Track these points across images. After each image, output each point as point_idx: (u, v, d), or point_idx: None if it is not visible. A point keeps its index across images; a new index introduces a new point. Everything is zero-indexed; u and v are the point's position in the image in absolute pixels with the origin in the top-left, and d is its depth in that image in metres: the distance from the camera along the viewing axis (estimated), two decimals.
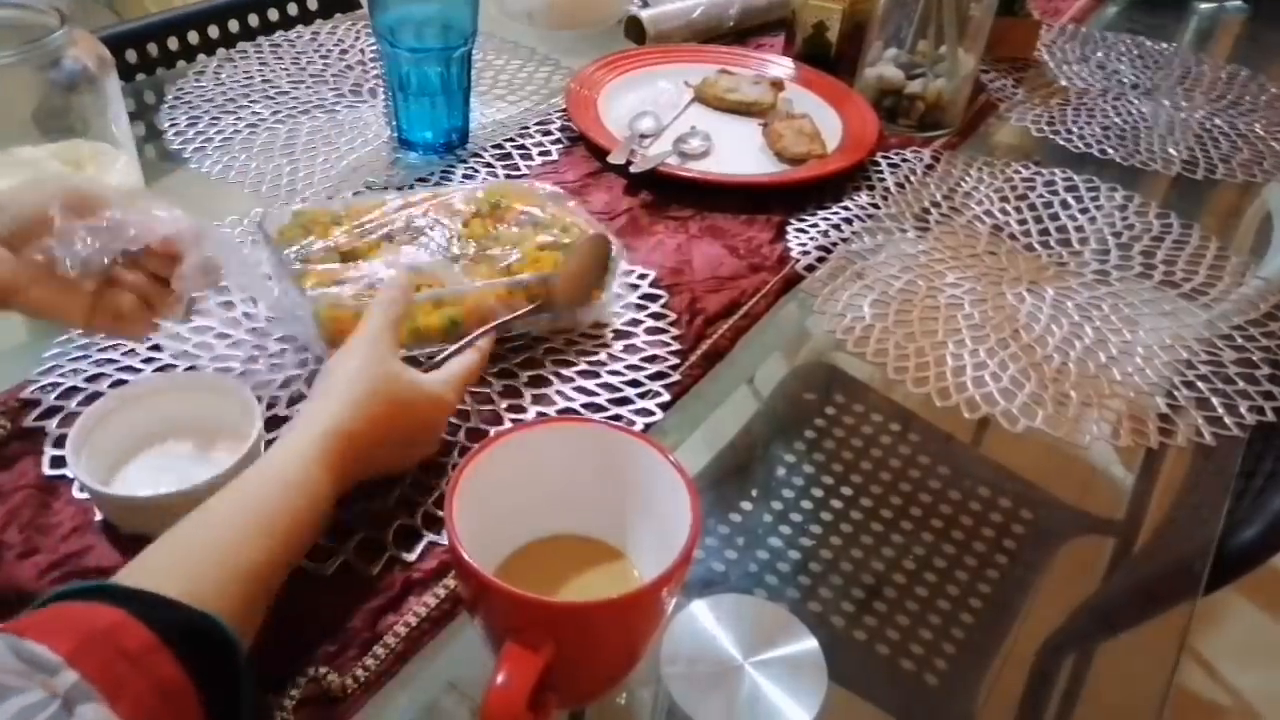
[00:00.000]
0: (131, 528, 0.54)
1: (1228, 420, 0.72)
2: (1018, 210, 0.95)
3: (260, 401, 0.62)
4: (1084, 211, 0.96)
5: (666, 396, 0.68)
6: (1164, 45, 1.38)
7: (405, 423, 0.55)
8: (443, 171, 0.91)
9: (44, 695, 0.32)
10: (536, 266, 0.68)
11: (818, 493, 0.63)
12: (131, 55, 1.09)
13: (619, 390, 0.68)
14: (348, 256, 0.68)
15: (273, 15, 1.23)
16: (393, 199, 0.74)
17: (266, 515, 0.46)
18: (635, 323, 0.74)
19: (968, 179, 0.99)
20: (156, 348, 0.67)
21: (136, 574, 0.41)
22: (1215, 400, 0.73)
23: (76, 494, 0.56)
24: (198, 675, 0.37)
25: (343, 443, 0.50)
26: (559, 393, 0.67)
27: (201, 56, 1.15)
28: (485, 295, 0.66)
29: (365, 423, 0.52)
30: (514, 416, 0.65)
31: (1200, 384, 0.75)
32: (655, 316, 0.75)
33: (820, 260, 0.84)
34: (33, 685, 0.32)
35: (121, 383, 0.63)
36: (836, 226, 0.89)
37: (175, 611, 0.38)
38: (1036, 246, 0.90)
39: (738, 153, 0.98)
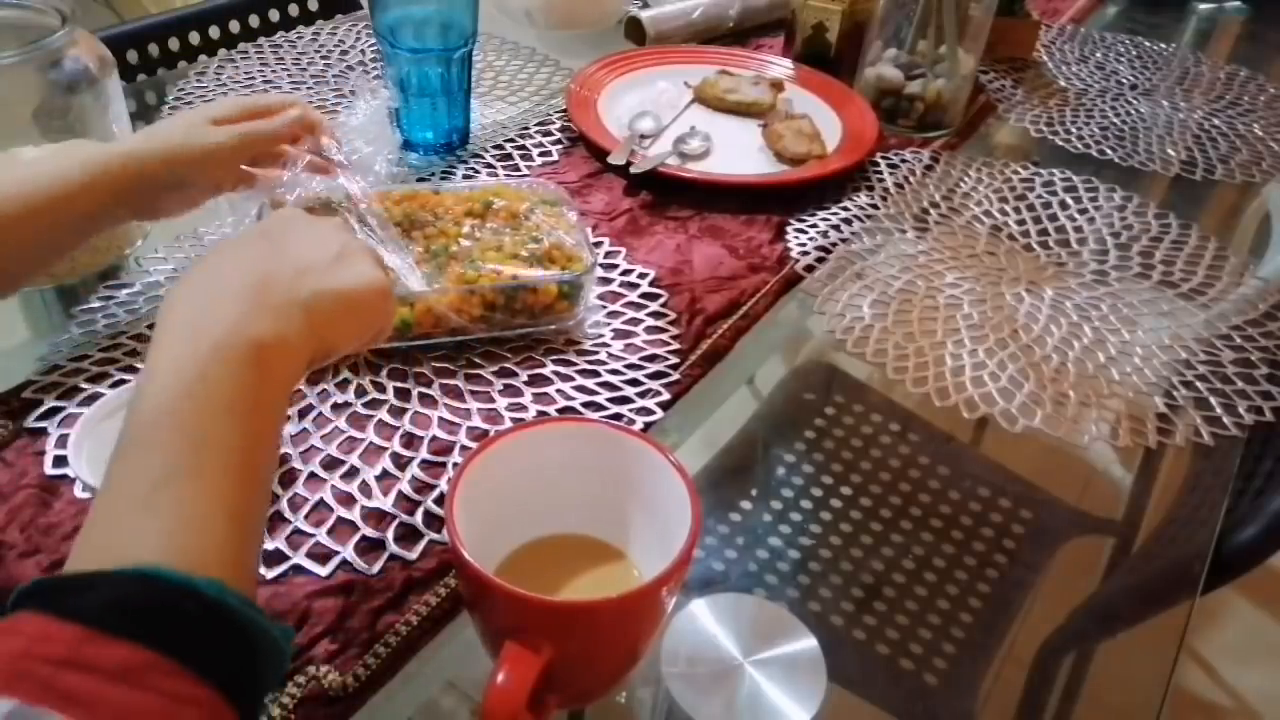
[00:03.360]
0: None
1: (1226, 420, 0.72)
2: (1017, 210, 0.95)
3: None
4: (1083, 212, 0.96)
5: (666, 396, 0.68)
6: (1163, 46, 1.38)
7: (231, 249, 0.45)
8: (443, 172, 0.92)
9: None
10: (498, 275, 0.68)
11: (817, 493, 0.64)
12: (132, 55, 1.09)
13: (619, 390, 0.68)
14: None
15: (273, 16, 1.24)
16: (396, 190, 0.75)
17: (137, 424, 0.38)
18: (635, 322, 0.74)
19: (967, 179, 0.99)
20: None
21: (76, 552, 0.36)
22: (1214, 400, 0.74)
23: (78, 494, 0.56)
24: (147, 638, 0.31)
25: (166, 312, 0.41)
26: (559, 392, 0.67)
27: (202, 57, 1.15)
28: (439, 299, 0.66)
29: (183, 287, 0.43)
30: (514, 416, 0.65)
31: (1199, 384, 0.75)
32: (655, 316, 0.75)
33: (820, 260, 0.84)
34: None
35: (123, 382, 0.64)
36: (836, 227, 0.89)
37: (93, 591, 0.33)
38: (1035, 247, 0.90)
39: (737, 153, 0.98)
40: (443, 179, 0.91)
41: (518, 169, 0.93)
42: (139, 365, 0.66)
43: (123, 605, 0.32)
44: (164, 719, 0.31)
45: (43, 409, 0.62)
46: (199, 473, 0.37)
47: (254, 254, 0.45)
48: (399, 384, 0.67)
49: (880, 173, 0.99)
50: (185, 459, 0.37)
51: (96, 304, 0.72)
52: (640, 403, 0.67)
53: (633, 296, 0.77)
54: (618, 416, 0.66)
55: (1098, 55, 1.33)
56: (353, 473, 0.60)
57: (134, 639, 0.31)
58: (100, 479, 0.52)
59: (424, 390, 0.66)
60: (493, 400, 0.66)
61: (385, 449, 0.62)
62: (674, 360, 0.71)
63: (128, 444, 0.38)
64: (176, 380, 0.38)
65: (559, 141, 0.98)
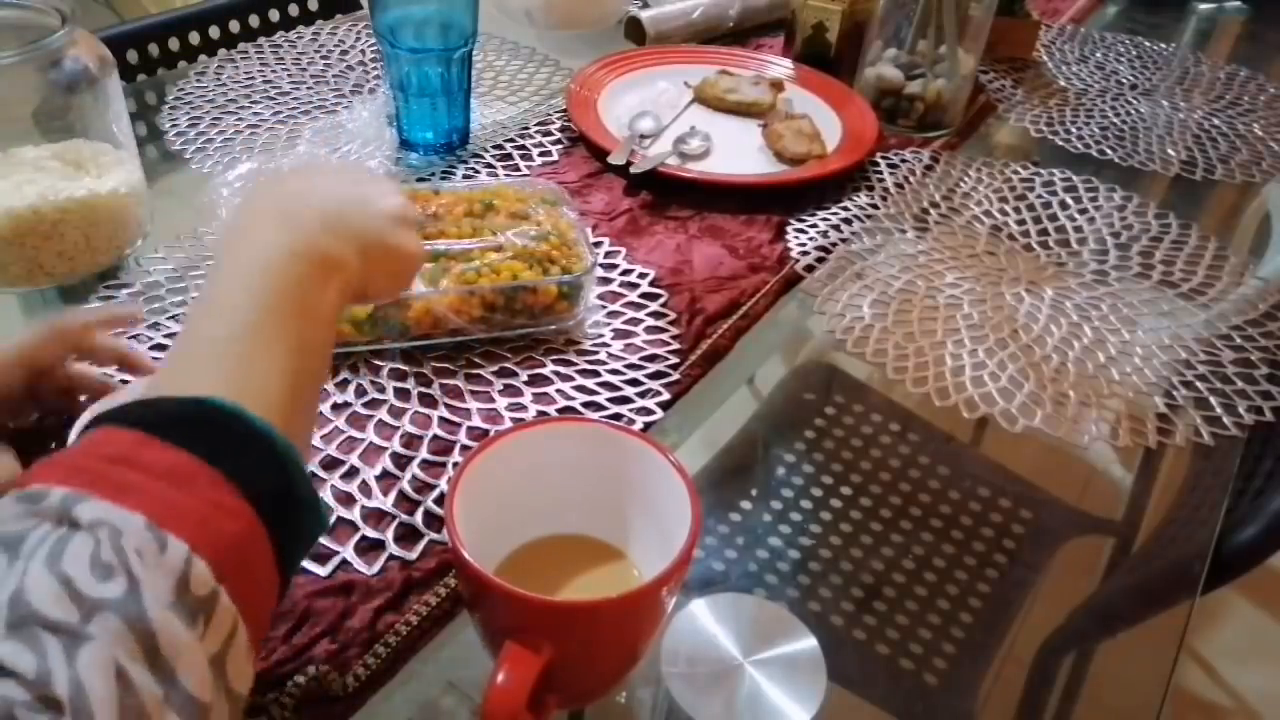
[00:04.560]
0: None
1: (1226, 420, 0.72)
2: (1017, 210, 0.95)
3: None
4: (1083, 212, 0.96)
5: (666, 396, 0.68)
6: (1163, 46, 1.38)
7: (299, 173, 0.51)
8: (443, 172, 0.92)
9: (39, 523, 0.30)
10: (498, 276, 0.68)
11: (818, 493, 0.64)
12: (132, 55, 1.09)
13: (619, 390, 0.68)
14: None
15: (273, 16, 1.24)
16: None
17: (205, 298, 0.41)
18: (635, 322, 0.74)
19: (967, 179, 0.99)
20: (160, 347, 0.68)
21: (146, 390, 0.38)
22: (1214, 400, 0.74)
23: None
24: (202, 450, 0.34)
25: (244, 210, 0.45)
26: (559, 392, 0.67)
27: (202, 57, 1.15)
28: (439, 300, 0.66)
29: (262, 190, 0.47)
30: (514, 416, 0.65)
31: (1199, 384, 0.75)
32: (655, 316, 0.75)
33: (820, 260, 0.84)
34: (29, 520, 0.31)
35: (124, 382, 0.63)
36: (836, 227, 0.89)
37: (153, 405, 0.35)
38: (1035, 247, 0.90)
39: (737, 153, 0.98)
40: (443, 179, 0.91)
41: (518, 169, 0.93)
42: None
43: (180, 420, 0.35)
44: (201, 521, 0.32)
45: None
46: (263, 339, 0.39)
47: (338, 185, 0.49)
48: (399, 384, 0.67)
49: (880, 173, 0.99)
50: (252, 324, 0.39)
51: (96, 304, 0.72)
52: (640, 403, 0.67)
53: (633, 296, 0.77)
54: (618, 416, 0.66)
55: (1098, 55, 1.33)
56: (353, 473, 0.60)
57: (182, 445, 0.33)
58: None
59: (424, 390, 0.66)
60: (493, 400, 0.66)
61: (385, 449, 0.62)
62: (674, 360, 0.71)
63: (205, 304, 0.41)
64: (256, 262, 0.41)
65: (559, 141, 0.98)
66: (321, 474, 0.59)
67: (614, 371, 0.69)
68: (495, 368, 0.69)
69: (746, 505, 0.62)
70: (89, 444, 0.34)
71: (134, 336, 0.68)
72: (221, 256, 0.43)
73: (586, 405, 0.66)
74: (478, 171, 0.92)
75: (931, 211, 0.93)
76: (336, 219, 0.46)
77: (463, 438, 0.63)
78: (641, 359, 0.71)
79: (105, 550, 0.30)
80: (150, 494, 0.32)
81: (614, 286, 0.78)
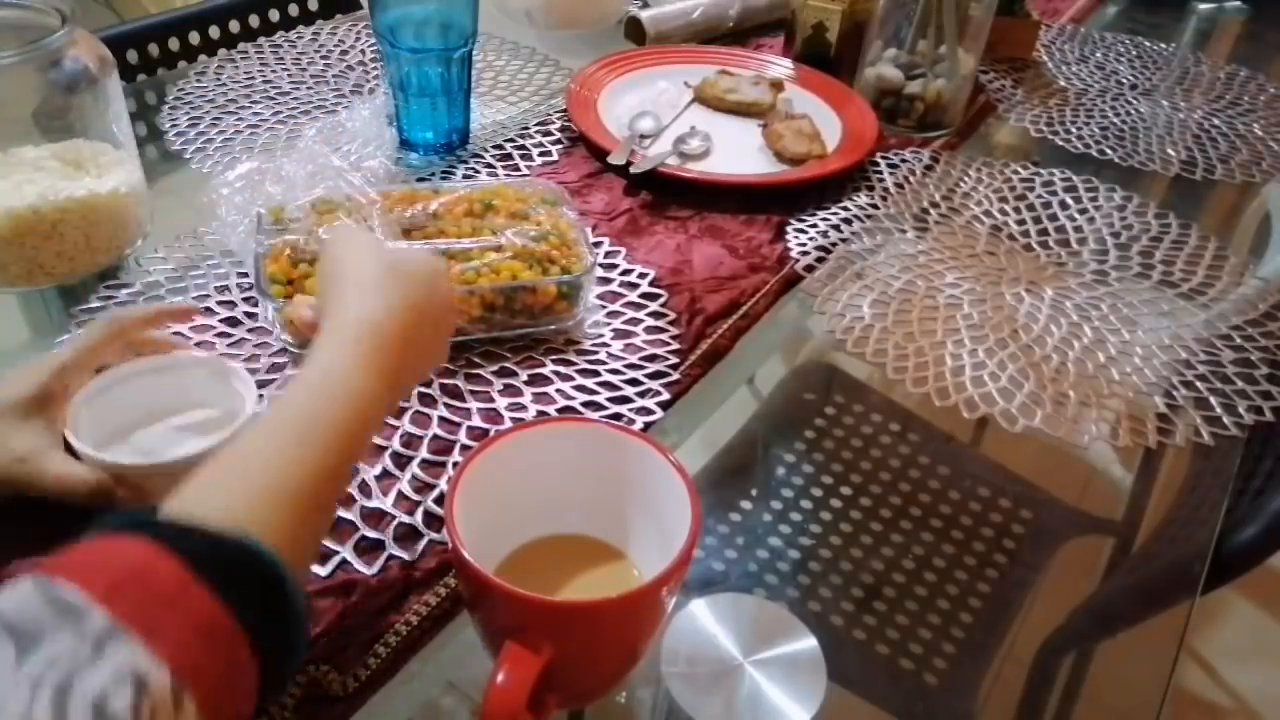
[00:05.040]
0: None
1: (1226, 420, 0.72)
2: (1017, 210, 0.95)
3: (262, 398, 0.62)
4: (1083, 211, 0.96)
5: (666, 396, 0.68)
6: (1163, 46, 1.38)
7: (423, 295, 0.51)
8: (443, 172, 0.92)
9: (73, 642, 0.31)
10: (497, 276, 0.68)
11: (817, 493, 0.64)
12: (132, 55, 1.09)
13: (619, 390, 0.68)
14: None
15: (273, 16, 1.24)
16: (396, 190, 0.75)
17: (305, 423, 0.43)
18: (635, 322, 0.74)
19: (967, 179, 0.99)
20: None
21: (177, 501, 0.39)
22: (1214, 400, 0.74)
23: None
24: (238, 606, 0.35)
25: (375, 333, 0.47)
26: (559, 392, 0.67)
27: (202, 57, 1.15)
28: None
29: (389, 309, 0.48)
30: (514, 416, 0.65)
31: (1199, 384, 0.75)
32: (655, 316, 0.75)
33: (820, 260, 0.84)
34: (62, 633, 0.31)
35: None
36: (836, 227, 0.89)
37: (208, 540, 0.36)
38: (1035, 247, 0.90)
39: (737, 153, 0.98)
40: (443, 179, 0.91)
41: (518, 169, 0.93)
42: None
43: (224, 561, 0.36)
44: (216, 681, 0.33)
45: None
46: (313, 463, 0.42)
47: (431, 333, 0.51)
48: None
49: (880, 173, 0.99)
50: (311, 454, 0.42)
51: (96, 304, 0.72)
52: (640, 403, 0.67)
53: (633, 296, 0.77)
54: (618, 416, 0.66)
55: (1098, 55, 1.33)
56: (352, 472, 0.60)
57: (224, 598, 0.34)
58: (97, 449, 0.52)
59: (424, 390, 0.66)
60: (493, 400, 0.66)
61: (385, 449, 0.62)
62: (674, 360, 0.71)
63: (283, 405, 0.44)
64: (343, 395, 0.44)
65: (559, 141, 0.98)
66: None
67: (614, 371, 0.69)
68: (495, 367, 0.69)
69: (746, 505, 0.62)
70: (140, 565, 0.34)
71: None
72: (318, 353, 0.46)
73: (586, 405, 0.66)
74: (478, 171, 0.92)
75: (931, 211, 0.93)
76: (416, 360, 0.50)
77: (463, 438, 0.63)
78: (641, 359, 0.71)
79: (118, 702, 0.30)
80: (182, 648, 0.32)
81: (614, 286, 0.78)
